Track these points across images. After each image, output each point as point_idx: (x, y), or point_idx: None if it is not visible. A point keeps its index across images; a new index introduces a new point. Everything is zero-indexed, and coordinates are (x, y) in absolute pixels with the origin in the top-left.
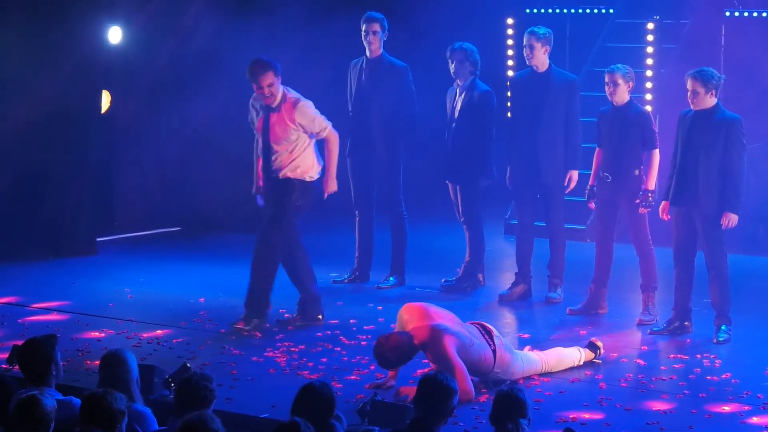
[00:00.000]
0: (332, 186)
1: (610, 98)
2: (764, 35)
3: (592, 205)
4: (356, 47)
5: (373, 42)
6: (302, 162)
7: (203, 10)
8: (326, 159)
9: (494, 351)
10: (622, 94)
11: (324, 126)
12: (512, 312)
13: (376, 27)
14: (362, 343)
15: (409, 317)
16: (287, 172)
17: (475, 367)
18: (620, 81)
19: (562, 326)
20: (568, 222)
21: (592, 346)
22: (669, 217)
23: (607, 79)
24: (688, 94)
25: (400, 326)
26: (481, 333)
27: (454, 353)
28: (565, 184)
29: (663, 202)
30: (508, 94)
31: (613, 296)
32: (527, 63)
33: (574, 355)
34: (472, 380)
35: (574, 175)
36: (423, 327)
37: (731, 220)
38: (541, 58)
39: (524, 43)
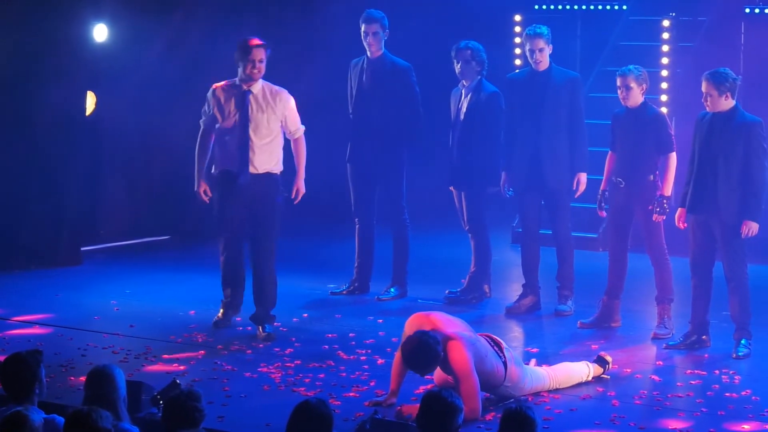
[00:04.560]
0: (303, 189)
1: (623, 102)
2: None
3: (603, 213)
4: (356, 45)
5: (373, 44)
6: (279, 155)
7: (194, 8)
8: (297, 161)
9: (505, 363)
10: (635, 98)
11: (300, 127)
12: (520, 325)
13: (376, 27)
14: (361, 357)
15: (420, 328)
16: (270, 167)
17: (487, 380)
18: (633, 84)
19: (572, 340)
20: (579, 230)
21: (601, 361)
22: (686, 225)
23: (618, 83)
24: (703, 96)
25: None
26: (491, 345)
27: (473, 367)
28: (574, 188)
29: (679, 210)
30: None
31: (626, 308)
32: (534, 67)
33: (582, 370)
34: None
35: (583, 178)
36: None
37: (751, 228)
38: (546, 59)
39: (529, 46)
